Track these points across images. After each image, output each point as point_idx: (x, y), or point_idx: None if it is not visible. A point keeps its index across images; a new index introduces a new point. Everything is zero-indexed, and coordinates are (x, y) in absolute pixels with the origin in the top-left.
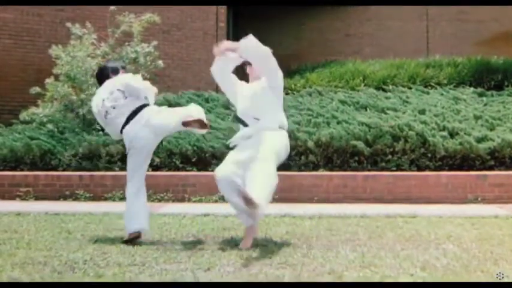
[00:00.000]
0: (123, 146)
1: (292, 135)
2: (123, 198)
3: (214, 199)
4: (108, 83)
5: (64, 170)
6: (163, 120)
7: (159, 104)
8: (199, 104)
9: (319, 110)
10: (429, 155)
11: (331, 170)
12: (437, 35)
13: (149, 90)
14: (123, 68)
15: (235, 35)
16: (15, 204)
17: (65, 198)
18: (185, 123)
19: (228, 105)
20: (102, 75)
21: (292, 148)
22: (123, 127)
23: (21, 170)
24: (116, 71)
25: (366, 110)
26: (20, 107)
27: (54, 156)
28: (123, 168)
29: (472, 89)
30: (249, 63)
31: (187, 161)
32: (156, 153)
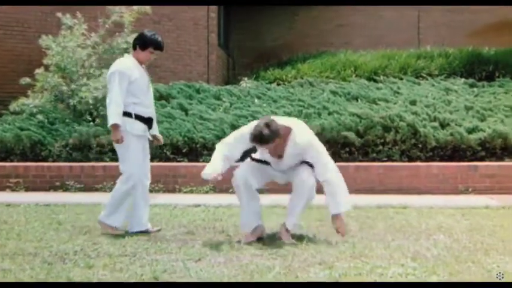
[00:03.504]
0: None
1: None
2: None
3: (205, 190)
4: None
5: (54, 160)
6: None
7: None
8: (190, 95)
9: (310, 100)
10: (420, 145)
11: None
12: (428, 25)
13: None
14: None
15: (227, 26)
16: (5, 195)
17: (55, 189)
18: None
19: (219, 96)
20: None
21: None
22: None
23: (11, 160)
24: None
25: (357, 100)
26: (10, 97)
27: (44, 147)
28: (114, 159)
29: (463, 79)
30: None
31: (178, 152)
32: None
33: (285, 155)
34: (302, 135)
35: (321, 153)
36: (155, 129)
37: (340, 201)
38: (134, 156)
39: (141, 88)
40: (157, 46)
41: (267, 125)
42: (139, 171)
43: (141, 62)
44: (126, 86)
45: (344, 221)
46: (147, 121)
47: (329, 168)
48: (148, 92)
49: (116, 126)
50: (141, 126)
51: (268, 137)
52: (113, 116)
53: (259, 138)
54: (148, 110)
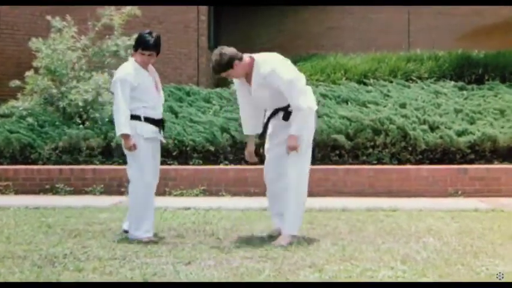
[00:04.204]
0: (104, 139)
1: None
2: (103, 192)
3: (195, 193)
4: None
5: (44, 163)
6: None
7: None
8: (180, 98)
9: None
10: (410, 148)
11: (312, 163)
12: (418, 28)
13: None
14: None
15: (217, 29)
16: None
17: (45, 192)
18: None
19: (209, 99)
20: None
21: None
22: None
23: (1, 163)
24: None
25: (347, 103)
26: (0, 100)
27: (34, 150)
28: (104, 162)
29: (452, 82)
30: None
31: (168, 155)
32: None
33: (252, 87)
34: (265, 65)
35: (286, 80)
36: None
37: (297, 127)
38: (143, 162)
39: (146, 91)
40: (144, 46)
41: (217, 57)
42: (146, 175)
43: (141, 65)
44: (130, 93)
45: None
46: (158, 123)
47: (294, 94)
48: (156, 94)
49: (125, 136)
50: (151, 128)
51: (218, 68)
52: (121, 126)
53: (212, 69)
54: (158, 111)
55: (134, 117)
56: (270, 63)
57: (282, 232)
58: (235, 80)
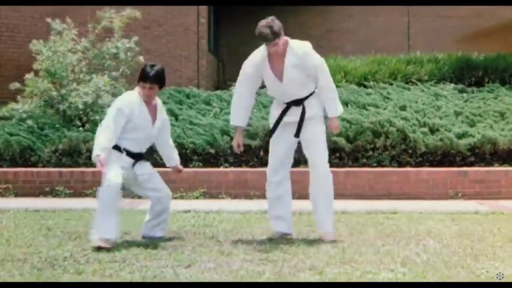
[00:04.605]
0: None
1: None
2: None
3: (195, 195)
4: None
5: (44, 166)
6: None
7: None
8: (180, 100)
9: None
10: (410, 151)
11: None
12: (418, 31)
13: None
14: None
15: (216, 31)
16: None
17: (45, 194)
18: None
19: (209, 102)
20: None
21: None
22: None
23: (1, 166)
24: None
25: (347, 106)
26: (0, 103)
27: (34, 153)
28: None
29: (452, 85)
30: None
31: None
32: None
33: (285, 68)
34: (301, 46)
35: (319, 61)
36: (174, 160)
37: (336, 106)
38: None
39: (136, 127)
40: (144, 78)
41: (268, 24)
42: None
43: (144, 98)
44: (123, 124)
45: (338, 121)
46: (136, 156)
47: (328, 75)
48: (148, 131)
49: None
50: (128, 160)
51: (271, 35)
52: (97, 151)
53: (263, 35)
54: (142, 147)
55: (114, 147)
56: (304, 45)
57: (325, 229)
58: (248, 66)
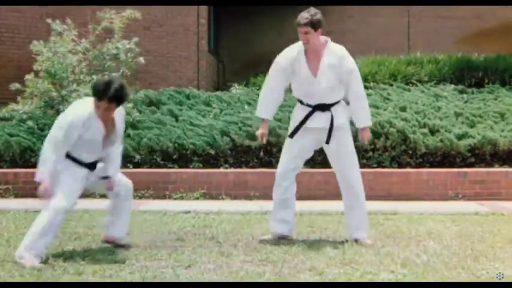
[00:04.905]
0: None
1: (273, 132)
2: (103, 196)
3: (195, 196)
4: None
5: None
6: None
7: (140, 101)
8: (180, 101)
9: None
10: (410, 152)
11: (312, 167)
12: (418, 32)
13: None
14: None
15: (217, 32)
16: None
17: None
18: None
19: (209, 102)
20: None
21: (274, 145)
22: None
23: (1, 167)
24: None
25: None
26: (0, 103)
27: (34, 154)
28: None
29: (452, 86)
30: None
31: (168, 158)
32: (136, 150)
33: (321, 66)
34: (340, 49)
35: (354, 66)
36: (110, 169)
37: (368, 116)
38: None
39: (87, 143)
40: (97, 95)
41: (312, 12)
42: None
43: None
44: (75, 138)
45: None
46: (89, 165)
47: (361, 82)
48: (98, 147)
49: (42, 181)
50: (82, 169)
51: (312, 22)
52: (42, 172)
53: (304, 20)
54: (93, 156)
55: (67, 156)
56: (342, 48)
57: (361, 232)
58: (283, 59)
